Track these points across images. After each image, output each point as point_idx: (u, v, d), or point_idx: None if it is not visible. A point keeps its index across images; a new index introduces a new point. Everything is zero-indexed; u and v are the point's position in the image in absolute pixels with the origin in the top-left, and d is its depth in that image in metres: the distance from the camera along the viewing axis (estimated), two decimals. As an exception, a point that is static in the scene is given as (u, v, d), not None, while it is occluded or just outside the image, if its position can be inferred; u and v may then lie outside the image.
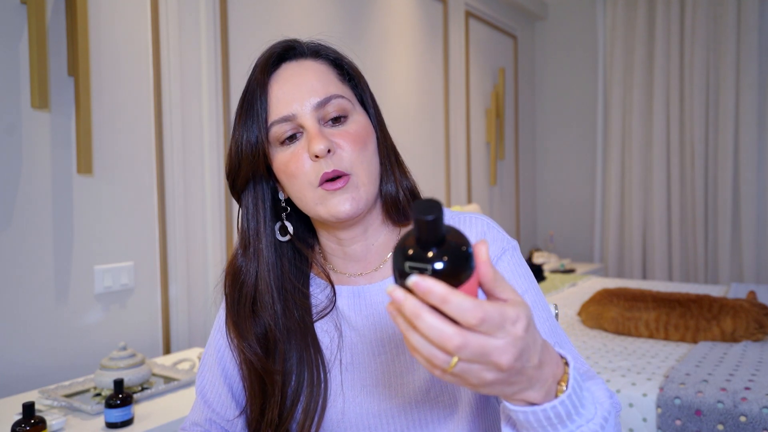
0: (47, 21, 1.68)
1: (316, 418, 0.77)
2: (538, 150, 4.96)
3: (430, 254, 0.43)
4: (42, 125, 1.69)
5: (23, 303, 1.65)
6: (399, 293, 0.43)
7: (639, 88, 4.32)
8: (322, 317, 0.80)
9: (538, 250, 4.53)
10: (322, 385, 0.78)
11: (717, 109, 4.02)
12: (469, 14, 3.87)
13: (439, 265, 0.43)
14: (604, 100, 4.58)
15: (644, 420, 1.81)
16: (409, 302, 0.43)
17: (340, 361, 0.79)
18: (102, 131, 1.83)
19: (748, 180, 3.90)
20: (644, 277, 4.39)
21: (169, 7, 2.01)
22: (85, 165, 1.75)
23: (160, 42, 2.00)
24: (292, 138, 0.74)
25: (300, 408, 0.77)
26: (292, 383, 0.78)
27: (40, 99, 1.63)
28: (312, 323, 0.80)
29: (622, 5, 4.39)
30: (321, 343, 0.80)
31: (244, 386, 0.82)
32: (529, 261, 4.01)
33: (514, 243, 0.80)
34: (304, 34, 0.84)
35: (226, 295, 0.82)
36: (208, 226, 2.15)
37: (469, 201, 3.89)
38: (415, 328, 0.44)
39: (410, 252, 0.44)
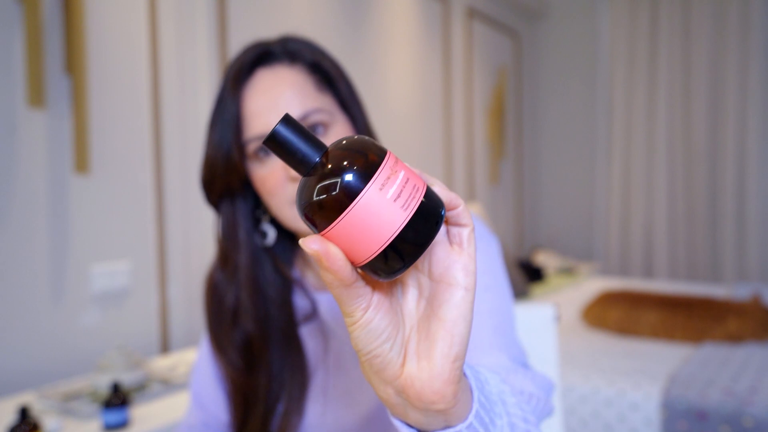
0: (43, 18, 1.66)
1: (293, 420, 0.76)
2: (540, 149, 4.94)
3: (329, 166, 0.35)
4: (38, 123, 1.67)
5: (19, 304, 1.63)
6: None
7: (642, 85, 4.30)
8: (306, 322, 0.80)
9: (540, 248, 4.52)
10: (302, 388, 0.77)
11: (721, 105, 4.00)
12: (470, 13, 3.85)
13: (347, 164, 0.35)
14: (607, 98, 4.56)
15: (648, 422, 1.78)
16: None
17: (326, 365, 0.79)
18: (99, 129, 1.81)
19: (752, 178, 3.88)
20: (647, 276, 4.37)
21: (166, 4, 1.99)
22: (81, 164, 1.73)
23: (158, 39, 1.98)
24: (268, 151, 0.72)
25: (280, 409, 0.77)
26: (274, 386, 0.77)
27: (36, 97, 1.61)
28: (296, 328, 0.79)
29: (625, 3, 4.36)
30: (306, 347, 0.79)
31: (227, 396, 0.81)
32: (529, 260, 3.99)
33: (492, 239, 0.77)
34: (304, 33, 0.81)
35: (205, 310, 0.81)
36: (206, 226, 2.13)
37: (471, 200, 3.87)
38: None
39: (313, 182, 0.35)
